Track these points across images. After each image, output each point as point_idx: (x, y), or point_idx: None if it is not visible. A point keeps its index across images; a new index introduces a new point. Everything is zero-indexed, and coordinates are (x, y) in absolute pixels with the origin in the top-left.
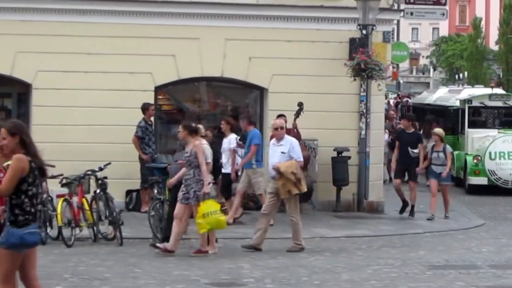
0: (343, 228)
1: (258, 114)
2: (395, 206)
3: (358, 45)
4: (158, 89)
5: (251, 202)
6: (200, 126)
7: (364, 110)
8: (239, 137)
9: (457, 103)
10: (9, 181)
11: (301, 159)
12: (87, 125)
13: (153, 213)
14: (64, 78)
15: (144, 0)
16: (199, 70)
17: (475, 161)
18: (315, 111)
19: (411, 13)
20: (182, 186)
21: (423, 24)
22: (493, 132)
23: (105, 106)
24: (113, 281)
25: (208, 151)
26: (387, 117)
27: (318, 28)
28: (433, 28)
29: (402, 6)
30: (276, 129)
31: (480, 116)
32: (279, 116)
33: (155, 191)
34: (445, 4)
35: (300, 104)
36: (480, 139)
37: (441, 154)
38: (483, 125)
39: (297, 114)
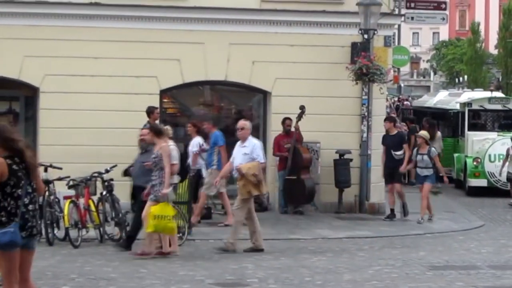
0: (345, 229)
1: (261, 117)
2: (396, 208)
3: (359, 49)
4: (163, 93)
5: (255, 204)
6: (168, 127)
7: (366, 113)
8: (201, 143)
9: (457, 106)
10: None
11: (263, 160)
12: (93, 128)
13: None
14: (71, 82)
15: (149, 6)
16: (203, 74)
17: (475, 163)
18: (317, 114)
19: (412, 18)
20: (149, 187)
21: (424, 29)
22: (492, 134)
23: (111, 109)
24: (119, 281)
25: (175, 152)
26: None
27: (321, 33)
28: (434, 33)
29: (403, 11)
30: (237, 129)
31: (479, 119)
32: (285, 119)
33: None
34: (445, 9)
35: (302, 107)
36: (479, 142)
37: (425, 157)
38: (482, 127)
39: (299, 117)
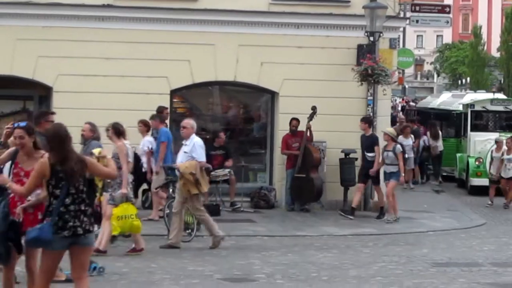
0: (350, 226)
1: (269, 117)
2: (400, 205)
3: (365, 51)
4: (174, 93)
5: (262, 201)
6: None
7: (371, 114)
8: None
9: (460, 108)
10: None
11: (202, 159)
12: (105, 126)
13: (168, 210)
14: (83, 82)
15: (161, 8)
16: (213, 75)
17: (477, 163)
18: (324, 114)
19: (417, 21)
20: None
21: (428, 32)
22: (494, 135)
23: (122, 108)
24: (130, 276)
25: (130, 151)
26: (397, 121)
27: (327, 35)
28: (437, 36)
29: (408, 14)
30: (180, 128)
31: (482, 120)
32: (292, 119)
33: (170, 190)
34: (449, 13)
35: (314, 108)
36: (482, 142)
37: (390, 154)
38: (484, 128)
39: (311, 117)
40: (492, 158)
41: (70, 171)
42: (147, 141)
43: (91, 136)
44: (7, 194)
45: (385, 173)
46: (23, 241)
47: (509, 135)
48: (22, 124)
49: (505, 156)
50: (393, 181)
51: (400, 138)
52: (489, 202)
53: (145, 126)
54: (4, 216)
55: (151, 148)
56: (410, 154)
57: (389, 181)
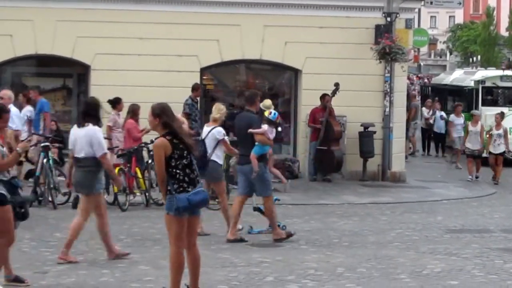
0: (369, 195)
1: (293, 93)
2: (416, 176)
3: (383, 31)
4: (203, 70)
5: (286, 172)
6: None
7: (388, 90)
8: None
9: (472, 84)
10: (157, 166)
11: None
12: (139, 102)
13: (200, 181)
14: (119, 60)
15: None
16: (240, 53)
17: (487, 136)
18: (344, 90)
19: (431, 2)
20: None
21: (441, 12)
22: (504, 109)
23: (155, 85)
24: (163, 242)
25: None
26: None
27: (347, 16)
28: (450, 16)
29: None
30: None
31: (492, 95)
32: (324, 95)
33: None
34: None
35: (337, 84)
36: (492, 116)
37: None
38: (495, 103)
39: (333, 93)
40: (468, 132)
41: (186, 144)
42: (28, 110)
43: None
44: None
45: None
46: None
47: None
48: None
49: (494, 132)
50: None
51: (452, 116)
52: (470, 177)
53: (24, 97)
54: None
55: (30, 116)
56: (461, 134)
57: None
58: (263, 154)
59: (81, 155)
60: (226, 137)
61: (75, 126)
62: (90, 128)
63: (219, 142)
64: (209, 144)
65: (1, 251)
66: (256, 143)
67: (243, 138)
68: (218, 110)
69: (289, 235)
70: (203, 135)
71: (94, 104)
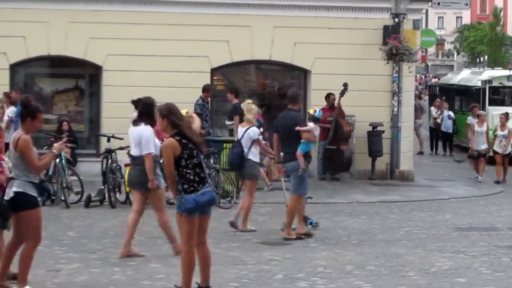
0: (377, 194)
1: (302, 93)
2: (424, 175)
3: (391, 32)
4: (214, 71)
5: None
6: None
7: (396, 90)
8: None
9: (479, 84)
10: (166, 166)
11: None
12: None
13: (209, 180)
14: (131, 61)
15: None
16: (249, 54)
17: (493, 136)
18: (353, 90)
19: (438, 3)
20: None
21: (448, 13)
22: (511, 109)
23: (166, 86)
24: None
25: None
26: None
27: (356, 17)
28: (457, 17)
29: None
30: None
31: (499, 95)
32: (329, 94)
33: (211, 160)
34: None
35: (345, 85)
36: (498, 116)
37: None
38: (502, 103)
39: (342, 94)
40: (474, 133)
41: (195, 142)
42: (9, 111)
43: None
44: None
45: None
46: None
47: None
48: None
49: (499, 132)
50: None
51: (470, 118)
52: (480, 177)
53: (7, 98)
54: None
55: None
56: (484, 145)
57: None
58: (308, 151)
59: (135, 153)
60: (260, 137)
61: (131, 125)
62: (142, 127)
63: (254, 142)
64: (245, 144)
65: (31, 253)
66: (302, 141)
67: (288, 136)
68: (250, 110)
69: (307, 234)
70: (239, 135)
71: (150, 104)
